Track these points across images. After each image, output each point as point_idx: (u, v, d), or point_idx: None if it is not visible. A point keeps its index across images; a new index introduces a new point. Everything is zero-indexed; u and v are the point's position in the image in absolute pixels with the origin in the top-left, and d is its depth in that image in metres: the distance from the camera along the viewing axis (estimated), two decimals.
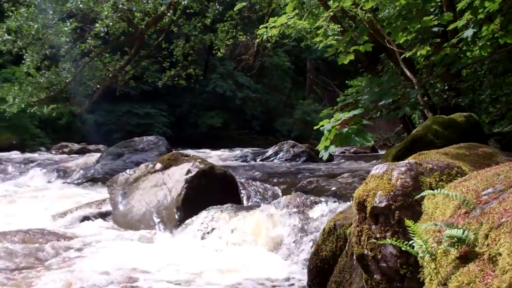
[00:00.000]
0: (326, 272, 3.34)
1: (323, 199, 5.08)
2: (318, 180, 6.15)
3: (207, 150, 17.73)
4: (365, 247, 2.33)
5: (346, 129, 4.11)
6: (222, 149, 19.23)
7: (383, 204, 2.25)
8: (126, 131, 27.65)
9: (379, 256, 2.26)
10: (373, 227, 2.30)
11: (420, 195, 2.11)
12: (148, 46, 14.17)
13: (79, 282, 3.80)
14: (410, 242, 1.78)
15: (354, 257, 2.50)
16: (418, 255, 1.78)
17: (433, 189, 2.09)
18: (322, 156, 4.24)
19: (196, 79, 15.97)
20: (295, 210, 4.94)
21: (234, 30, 14.11)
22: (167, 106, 31.61)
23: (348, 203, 4.69)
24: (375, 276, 2.31)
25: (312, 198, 5.16)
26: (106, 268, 4.21)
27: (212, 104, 32.15)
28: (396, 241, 1.83)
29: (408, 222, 1.77)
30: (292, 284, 3.85)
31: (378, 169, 2.45)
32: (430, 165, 2.46)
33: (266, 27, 6.17)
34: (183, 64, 15.03)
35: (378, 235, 2.26)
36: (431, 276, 1.77)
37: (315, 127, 4.44)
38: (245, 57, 15.52)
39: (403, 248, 1.80)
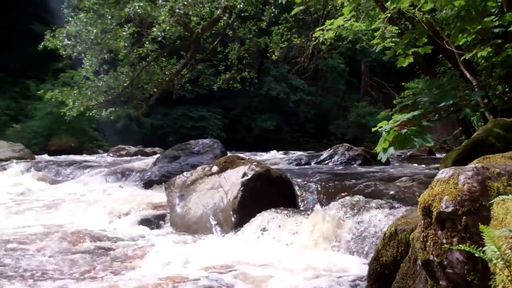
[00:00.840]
0: (386, 278, 3.28)
1: (381, 203, 5.00)
2: (375, 183, 6.05)
3: (261, 153, 17.76)
4: (430, 252, 2.28)
5: (405, 131, 4.04)
6: (275, 152, 19.22)
7: (449, 209, 2.20)
8: (181, 134, 28.03)
9: (445, 262, 2.21)
10: (439, 232, 2.25)
11: (491, 201, 2.05)
12: (204, 49, 14.29)
13: (139, 283, 3.87)
14: (480, 248, 1.73)
15: (418, 263, 2.45)
16: (490, 261, 1.72)
17: (500, 194, 2.03)
18: (381, 158, 4.18)
19: (250, 82, 16.02)
20: (352, 213, 4.87)
21: (289, 33, 14.10)
22: (221, 109, 31.87)
23: (408, 208, 4.61)
24: (441, 283, 2.25)
25: (370, 201, 5.08)
26: (165, 268, 4.28)
27: (265, 107, 32.22)
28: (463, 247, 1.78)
29: (482, 227, 1.71)
30: None
31: (444, 173, 2.39)
32: (498, 170, 2.39)
33: (323, 30, 6.14)
34: (238, 68, 15.12)
35: (444, 241, 2.21)
36: (504, 284, 1.71)
37: (373, 129, 4.38)
38: (300, 60, 15.48)
39: (476, 254, 1.74)
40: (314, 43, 12.09)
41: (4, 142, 18.52)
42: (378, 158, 4.13)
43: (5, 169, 12.18)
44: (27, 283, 3.89)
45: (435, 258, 2.25)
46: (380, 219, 4.62)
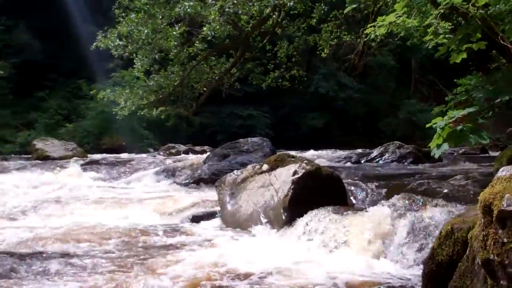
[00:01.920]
0: (442, 277, 3.22)
1: (435, 202, 4.92)
2: (428, 182, 5.97)
3: (309, 152, 17.68)
4: (491, 252, 2.22)
5: (460, 127, 3.96)
6: (324, 150, 19.11)
7: (511, 208, 2.14)
8: (230, 132, 28.17)
9: (506, 262, 2.15)
10: (500, 231, 2.19)
11: None
12: (253, 48, 14.31)
13: (192, 276, 3.93)
14: None
15: (477, 262, 2.40)
16: None
17: None
18: (434, 154, 4.11)
19: (299, 80, 15.95)
20: (405, 212, 4.81)
21: (338, 30, 13.99)
22: (269, 108, 31.89)
23: (463, 206, 4.52)
24: (501, 282, 2.20)
25: (423, 200, 5.00)
26: (215, 264, 4.33)
27: (314, 105, 32.08)
28: None
29: None
30: None
31: (504, 171, 2.33)
32: None
33: (374, 26, 6.06)
34: (287, 66, 15.08)
35: (505, 240, 2.15)
36: None
37: (427, 125, 4.30)
38: (350, 57, 15.35)
39: None
40: (365, 39, 11.96)
41: (58, 141, 18.98)
42: (432, 154, 4.06)
43: (59, 167, 12.46)
44: (97, 272, 4.14)
45: (496, 258, 2.20)
46: (434, 217, 4.54)
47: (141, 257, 4.67)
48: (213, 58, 14.22)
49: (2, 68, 25.26)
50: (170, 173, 10.97)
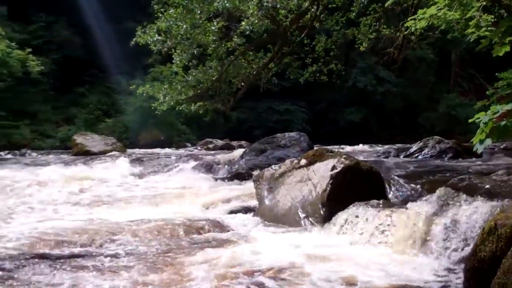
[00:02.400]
0: (485, 274, 3.18)
1: (476, 197, 4.83)
2: (469, 177, 5.85)
3: (347, 146, 17.60)
4: None
5: (504, 122, 3.88)
6: (362, 145, 18.99)
7: None
8: (266, 127, 28.21)
9: None
10: None
11: None
12: (291, 42, 14.25)
13: (231, 270, 3.97)
14: None
15: None
16: None
17: None
18: (477, 150, 4.04)
19: (337, 74, 15.83)
20: (445, 208, 4.74)
21: (377, 24, 13.83)
22: (306, 102, 31.81)
23: (506, 202, 4.44)
24: None
25: (464, 196, 4.92)
26: (253, 258, 4.37)
27: (351, 100, 31.88)
28: None
29: None
30: (446, 285, 3.70)
31: None
32: None
33: (415, 19, 5.99)
34: (325, 60, 14.98)
35: None
36: None
37: (470, 120, 4.23)
38: (389, 51, 15.16)
39: None
40: (405, 33, 11.80)
41: (97, 136, 19.29)
42: (474, 150, 3.98)
43: (99, 162, 12.65)
44: (149, 262, 4.32)
45: None
46: (476, 213, 4.46)
47: (180, 250, 4.74)
48: (251, 53, 14.19)
49: (43, 64, 25.75)
50: (207, 167, 11.03)
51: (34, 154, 19.45)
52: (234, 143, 21.64)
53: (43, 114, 26.96)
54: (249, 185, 7.91)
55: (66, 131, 25.44)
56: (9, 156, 18.53)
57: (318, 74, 15.28)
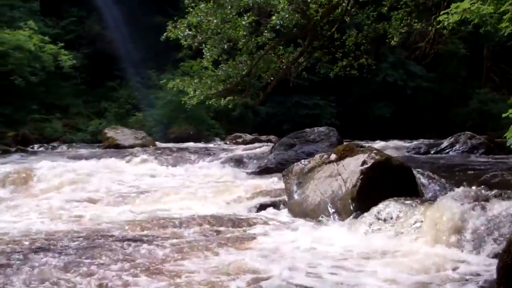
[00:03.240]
0: None
1: (509, 193, 4.77)
2: (502, 173, 5.80)
3: (377, 141, 17.44)
4: None
5: None
6: (392, 140, 18.82)
7: None
8: (295, 122, 28.08)
9: None
10: None
11: None
12: (321, 37, 14.18)
13: (263, 264, 3.98)
14: None
15: None
16: None
17: None
18: (510, 145, 3.99)
19: (368, 69, 15.70)
20: (478, 203, 4.68)
21: (409, 18, 13.68)
22: (336, 97, 31.60)
23: None
24: None
25: (497, 192, 4.87)
26: (285, 253, 4.39)
27: (381, 94, 31.56)
28: None
29: None
30: (479, 282, 3.66)
31: None
32: None
33: (447, 13, 5.92)
34: (355, 54, 14.88)
35: None
36: None
37: (503, 115, 4.17)
38: (420, 45, 14.99)
39: None
40: (438, 27, 11.65)
41: (128, 130, 19.47)
42: (508, 145, 3.93)
43: (130, 155, 12.77)
44: (182, 252, 4.46)
45: None
46: (509, 209, 4.41)
47: (213, 244, 4.77)
48: (281, 48, 14.15)
49: (75, 58, 26.05)
50: (236, 162, 11.06)
51: (65, 147, 19.71)
52: (263, 137, 21.61)
53: (75, 108, 27.27)
54: (278, 180, 7.93)
55: (97, 124, 25.69)
56: (41, 149, 18.81)
57: (348, 69, 15.18)
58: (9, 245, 4.57)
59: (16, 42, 23.40)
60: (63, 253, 4.31)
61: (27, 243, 4.65)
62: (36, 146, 19.42)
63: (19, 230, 5.29)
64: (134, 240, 4.83)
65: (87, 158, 12.62)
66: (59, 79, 26.26)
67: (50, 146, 19.90)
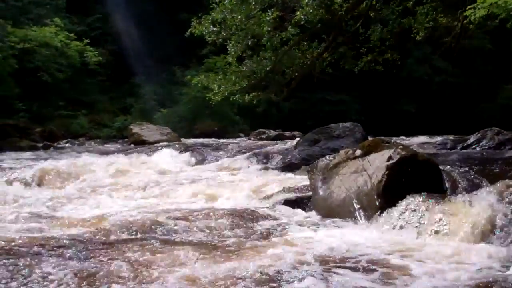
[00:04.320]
0: None
1: None
2: None
3: (402, 137, 17.32)
4: None
5: None
6: (417, 136, 18.66)
7: None
8: (320, 117, 28.01)
9: None
10: None
11: None
12: (345, 32, 14.12)
13: (285, 261, 3.97)
14: None
15: None
16: None
17: None
18: None
19: (393, 64, 15.58)
20: (506, 199, 4.63)
21: (434, 13, 13.55)
22: (360, 93, 31.45)
23: None
24: None
25: None
26: (308, 247, 4.39)
27: (406, 90, 31.36)
28: None
29: None
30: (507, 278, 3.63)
31: None
32: None
33: (474, 8, 5.87)
34: (380, 49, 14.77)
35: None
36: None
37: None
38: (446, 40, 14.82)
39: None
40: (464, 22, 11.53)
41: (153, 126, 19.65)
42: None
43: (156, 151, 12.88)
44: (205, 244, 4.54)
45: None
46: None
47: (238, 239, 4.81)
48: (305, 43, 14.12)
49: (100, 55, 26.33)
50: (261, 157, 11.06)
51: (92, 143, 19.95)
52: (287, 133, 21.61)
53: (100, 104, 27.58)
54: (303, 176, 7.92)
55: (122, 120, 25.94)
56: (68, 145, 19.05)
57: (373, 64, 15.08)
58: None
59: (42, 39, 23.77)
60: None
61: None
62: (62, 142, 19.67)
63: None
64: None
65: (119, 153, 12.86)
66: (84, 75, 26.60)
67: (76, 142, 20.15)
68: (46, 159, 11.84)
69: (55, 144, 18.64)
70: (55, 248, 4.23)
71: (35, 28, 24.35)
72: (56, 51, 24.59)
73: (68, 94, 25.62)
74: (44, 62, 23.89)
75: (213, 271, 3.69)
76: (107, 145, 17.65)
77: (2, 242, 4.37)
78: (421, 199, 5.13)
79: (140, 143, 16.80)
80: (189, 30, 13.38)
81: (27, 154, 14.49)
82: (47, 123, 22.46)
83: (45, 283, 3.40)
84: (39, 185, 8.75)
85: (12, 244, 4.35)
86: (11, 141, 17.36)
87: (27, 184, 8.71)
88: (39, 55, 23.78)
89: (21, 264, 3.72)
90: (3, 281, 3.39)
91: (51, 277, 3.49)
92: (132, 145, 16.99)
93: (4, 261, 3.79)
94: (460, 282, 3.51)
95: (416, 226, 4.86)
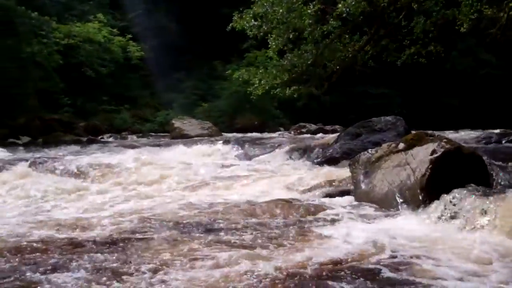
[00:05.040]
0: None
1: None
2: None
3: (445, 131, 17.07)
4: None
5: None
6: (461, 130, 18.37)
7: None
8: (361, 111, 27.77)
9: None
10: None
11: None
12: (388, 24, 13.93)
13: (332, 253, 4.01)
14: None
15: None
16: None
17: None
18: None
19: (436, 56, 15.29)
20: None
21: (479, 4, 13.25)
22: (401, 86, 31.06)
23: None
24: None
25: None
26: (350, 241, 4.42)
27: (450, 83, 30.84)
28: None
29: None
30: None
31: None
32: None
33: None
34: (424, 42, 14.52)
35: None
36: None
37: None
38: (491, 32, 14.48)
39: None
40: (510, 13, 11.26)
41: (194, 120, 19.84)
42: None
43: (198, 145, 13.03)
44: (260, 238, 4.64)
45: None
46: None
47: (283, 231, 4.88)
48: (347, 36, 13.98)
49: (142, 50, 26.64)
50: (302, 151, 11.05)
51: (135, 137, 20.24)
52: (328, 127, 21.56)
53: (142, 99, 27.95)
54: (344, 169, 7.88)
55: (164, 115, 26.24)
56: (111, 139, 19.36)
57: (416, 57, 14.84)
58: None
59: (86, 34, 24.19)
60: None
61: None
62: (105, 136, 20.01)
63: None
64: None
65: (164, 147, 13.12)
66: (127, 70, 26.96)
67: (119, 136, 20.47)
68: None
69: (99, 138, 18.98)
70: None
71: (79, 24, 24.80)
72: (100, 46, 25.00)
73: (111, 89, 26.02)
74: (88, 57, 24.32)
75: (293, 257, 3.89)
76: (151, 140, 17.87)
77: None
78: (466, 193, 5.04)
79: (182, 137, 17.00)
80: (230, 25, 13.40)
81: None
82: (90, 118, 22.90)
83: None
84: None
85: None
86: (56, 135, 17.76)
87: None
88: (83, 50, 24.22)
89: None
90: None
91: None
92: (174, 139, 17.15)
93: None
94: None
95: (461, 221, 4.79)
